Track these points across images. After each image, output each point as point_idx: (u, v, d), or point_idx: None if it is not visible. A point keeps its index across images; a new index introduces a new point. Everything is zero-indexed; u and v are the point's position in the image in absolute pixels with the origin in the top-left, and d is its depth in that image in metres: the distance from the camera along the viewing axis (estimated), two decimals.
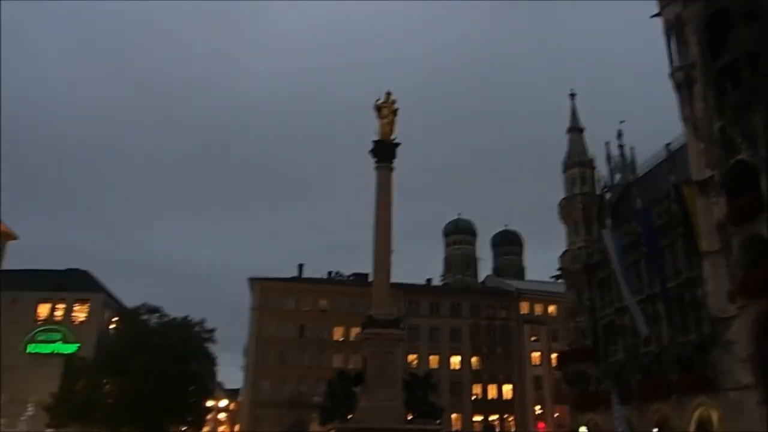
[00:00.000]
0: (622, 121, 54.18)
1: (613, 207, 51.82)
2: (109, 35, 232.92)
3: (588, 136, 56.95)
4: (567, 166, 55.46)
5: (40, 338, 67.35)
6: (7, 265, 58.84)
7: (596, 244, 50.97)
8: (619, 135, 53.87)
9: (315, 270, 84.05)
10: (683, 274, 40.32)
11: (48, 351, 66.23)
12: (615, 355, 47.32)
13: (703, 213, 36.75)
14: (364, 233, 26.87)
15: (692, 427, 37.90)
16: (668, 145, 45.09)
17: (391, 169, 27.40)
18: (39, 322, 68.48)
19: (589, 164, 55.10)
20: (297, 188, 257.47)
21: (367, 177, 28.12)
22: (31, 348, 66.55)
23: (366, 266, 27.03)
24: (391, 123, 27.93)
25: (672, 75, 40.85)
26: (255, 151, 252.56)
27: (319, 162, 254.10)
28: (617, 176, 54.20)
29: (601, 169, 54.81)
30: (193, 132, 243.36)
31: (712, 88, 37.36)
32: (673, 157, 43.36)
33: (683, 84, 39.62)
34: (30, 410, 41.30)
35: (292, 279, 76.61)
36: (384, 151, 27.38)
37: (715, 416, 35.99)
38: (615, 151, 54.30)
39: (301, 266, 79.17)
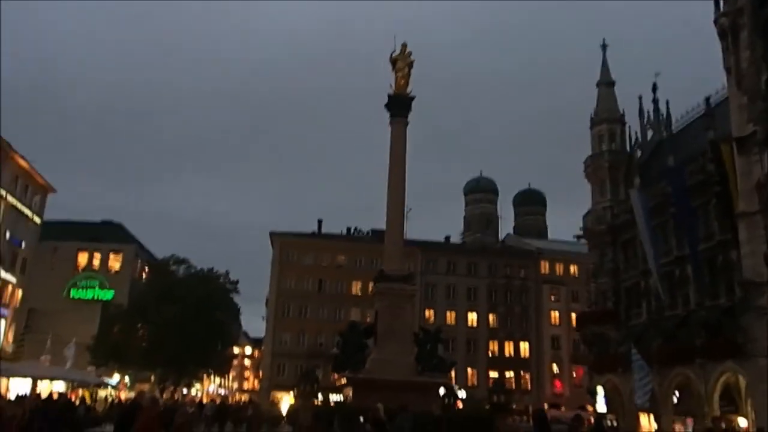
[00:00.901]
0: (657, 74, 49.76)
1: (643, 166, 48.24)
2: (145, 6, 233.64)
3: (619, 92, 53.03)
4: (594, 123, 51.79)
5: (80, 284, 68.16)
6: (47, 216, 59.34)
7: (622, 204, 48.18)
8: (654, 89, 49.59)
9: (334, 226, 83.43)
10: (715, 237, 37.09)
11: (88, 297, 67.03)
12: (637, 318, 45.07)
13: (742, 172, 33.25)
14: (382, 191, 25.85)
15: (717, 392, 36.09)
16: (708, 98, 40.88)
17: (405, 124, 26.21)
18: (78, 270, 69.08)
19: (619, 120, 51.31)
20: (319, 146, 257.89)
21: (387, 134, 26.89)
22: (74, 293, 67.46)
23: (384, 223, 25.91)
24: (406, 76, 26.62)
25: (716, 21, 36.64)
26: (278, 112, 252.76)
27: (341, 120, 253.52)
28: (649, 133, 50.42)
29: (632, 125, 51.03)
30: (219, 95, 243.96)
31: (761, 36, 33.50)
32: (712, 111, 39.42)
33: (728, 31, 35.59)
34: (71, 347, 41.88)
35: (312, 235, 75.44)
36: (398, 105, 26.26)
37: (742, 383, 33.79)
38: (648, 106, 50.28)
39: (320, 222, 78.24)
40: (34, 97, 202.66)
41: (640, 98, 50.02)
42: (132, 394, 38.72)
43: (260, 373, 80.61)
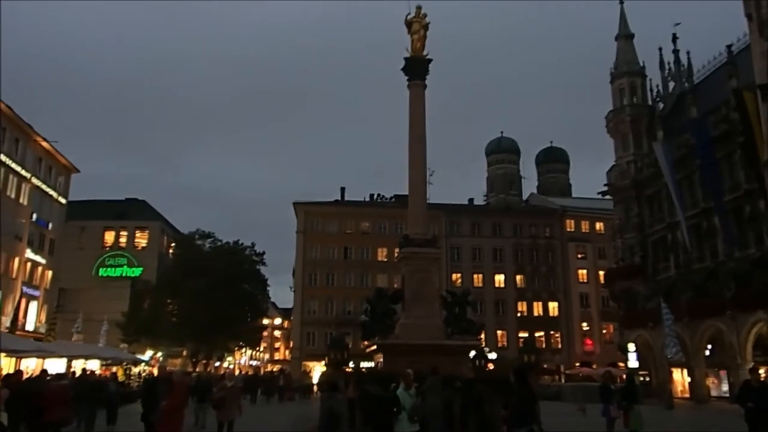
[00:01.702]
0: (677, 24, 48.59)
1: (665, 118, 47.52)
2: None
3: (638, 44, 52.13)
4: (615, 77, 51.17)
5: (108, 263, 69.27)
6: (72, 196, 60.07)
7: (646, 158, 47.60)
8: (674, 39, 48.57)
9: (357, 193, 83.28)
10: (741, 187, 36.74)
11: (117, 275, 68.11)
12: (666, 272, 44.80)
13: (767, 120, 33.02)
14: (404, 156, 25.69)
15: (750, 343, 35.84)
16: (729, 47, 40.10)
17: (423, 87, 25.95)
18: (106, 248, 70.12)
19: (640, 73, 50.66)
20: (339, 113, 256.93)
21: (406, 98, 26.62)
22: (102, 272, 68.64)
23: (407, 188, 25.83)
24: (422, 39, 26.27)
25: None
26: (299, 78, 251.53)
27: (361, 85, 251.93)
28: (671, 85, 49.54)
29: (653, 78, 50.19)
30: (238, 64, 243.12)
31: None
32: (734, 60, 38.71)
33: None
34: (105, 326, 42.78)
35: (335, 202, 75.57)
36: (415, 67, 25.94)
37: None
38: (669, 58, 49.28)
39: (343, 190, 78.15)
40: (54, 77, 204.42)
41: (660, 50, 49.15)
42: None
43: (290, 343, 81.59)
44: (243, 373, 64.24)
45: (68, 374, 26.72)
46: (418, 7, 26.28)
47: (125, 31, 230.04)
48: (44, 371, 17.81)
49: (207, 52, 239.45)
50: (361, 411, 12.35)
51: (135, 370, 44.69)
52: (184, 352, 57.56)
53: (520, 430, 10.00)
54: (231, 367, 75.24)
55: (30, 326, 49.39)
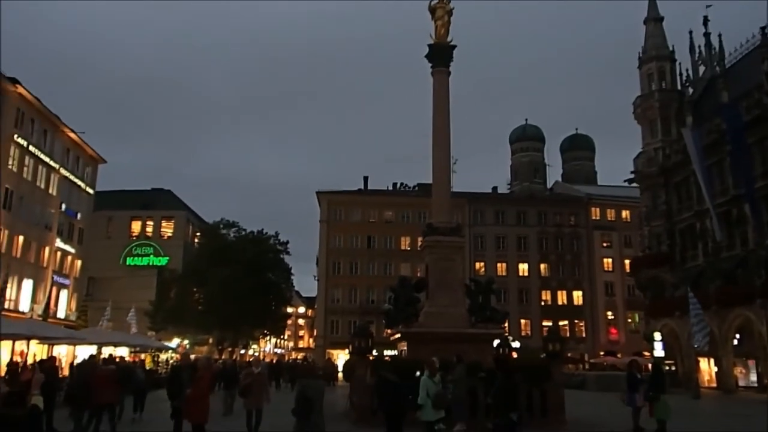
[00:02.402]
0: (708, 5, 46.75)
1: (695, 103, 46.34)
2: None
3: (668, 27, 51.08)
4: (643, 61, 50.23)
5: (135, 252, 70.21)
6: (99, 186, 60.87)
7: (674, 144, 46.73)
8: (705, 22, 47.16)
9: (380, 182, 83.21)
10: None
11: (144, 264, 68.97)
12: (694, 260, 44.13)
13: None
14: (428, 144, 25.58)
15: None
16: (763, 28, 39.05)
17: (447, 74, 25.67)
18: (133, 238, 71.07)
19: (669, 57, 49.66)
20: (363, 100, 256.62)
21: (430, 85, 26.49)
22: (129, 261, 69.59)
23: (430, 177, 25.73)
24: (446, 25, 25.90)
25: None
26: (323, 66, 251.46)
27: (385, 72, 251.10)
28: (701, 69, 48.29)
29: (683, 62, 49.05)
30: (263, 51, 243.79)
31: None
32: None
33: None
34: (132, 314, 43.47)
35: (358, 191, 75.70)
36: (439, 54, 25.61)
37: None
38: (699, 41, 48.00)
39: (366, 179, 78.23)
40: (82, 69, 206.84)
41: (691, 33, 47.97)
42: (191, 356, 40.01)
43: (314, 331, 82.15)
44: (267, 360, 64.76)
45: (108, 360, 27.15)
46: None
47: (152, 25, 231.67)
48: (93, 357, 18.41)
49: (231, 40, 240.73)
50: (377, 397, 12.45)
51: (162, 357, 45.34)
52: (210, 340, 58.25)
53: (502, 420, 10.05)
54: (256, 354, 75.90)
55: (61, 314, 50.40)
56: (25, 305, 45.01)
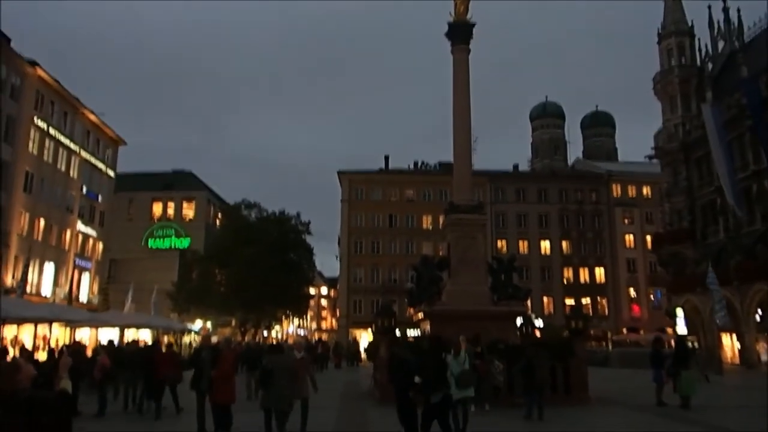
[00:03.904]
0: None
1: (715, 79, 46.17)
2: None
3: (687, 3, 50.80)
4: (662, 37, 49.95)
5: (157, 234, 70.80)
6: (120, 168, 61.38)
7: (695, 119, 46.47)
8: None
9: (401, 161, 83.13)
10: None
11: (165, 246, 69.56)
12: (715, 235, 43.94)
13: None
14: (448, 122, 25.59)
15: None
16: None
17: (467, 51, 25.63)
18: (154, 220, 71.70)
19: (688, 33, 49.38)
20: (383, 78, 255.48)
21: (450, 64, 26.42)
22: (151, 243, 70.21)
23: (451, 156, 25.75)
24: (466, 2, 25.88)
25: None
26: (343, 44, 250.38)
27: (406, 49, 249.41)
28: (720, 44, 48.10)
29: (702, 37, 48.70)
30: (284, 30, 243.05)
31: None
32: None
33: None
34: (155, 296, 44.06)
35: (379, 171, 75.74)
36: (459, 32, 25.58)
37: None
38: (718, 16, 47.42)
39: (387, 158, 78.17)
40: (99, 48, 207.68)
41: (710, 8, 47.37)
42: (214, 338, 40.30)
43: (337, 311, 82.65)
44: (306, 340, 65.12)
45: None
46: None
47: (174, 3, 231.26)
48: (156, 342, 19.20)
49: (253, 20, 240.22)
50: (388, 372, 12.72)
51: (185, 339, 45.88)
52: (233, 322, 58.70)
53: (435, 396, 10.18)
54: (292, 332, 75.98)
55: (83, 297, 51.09)
56: (47, 289, 45.66)
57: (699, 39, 48.88)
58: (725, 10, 46.97)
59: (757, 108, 36.84)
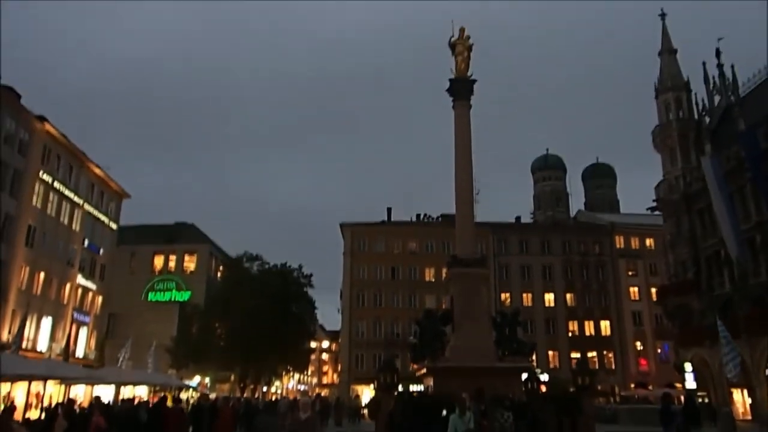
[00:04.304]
0: (720, 39, 47.92)
1: (713, 131, 46.85)
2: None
3: (682, 58, 52.05)
4: (659, 92, 50.95)
5: (158, 287, 70.50)
6: (123, 221, 61.54)
7: (695, 171, 46.76)
8: (718, 54, 47.98)
9: (403, 213, 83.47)
10: None
11: (165, 299, 69.20)
12: (721, 287, 43.59)
13: None
14: (450, 175, 25.81)
15: None
16: None
17: (468, 107, 26.13)
18: (155, 273, 71.51)
19: (685, 87, 50.22)
20: (386, 131, 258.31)
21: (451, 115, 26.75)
22: (151, 296, 69.89)
23: (454, 207, 25.86)
24: (467, 60, 26.71)
25: None
26: (347, 98, 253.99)
27: (408, 104, 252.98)
28: (716, 98, 49.07)
29: (698, 91, 49.49)
30: (290, 84, 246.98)
31: None
32: None
33: None
34: (152, 351, 43.38)
35: (382, 223, 75.75)
36: (460, 88, 26.22)
37: None
38: (713, 72, 48.30)
39: (389, 210, 78.31)
40: (106, 99, 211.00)
41: (704, 64, 48.51)
42: (213, 395, 39.68)
43: (338, 366, 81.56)
44: (286, 398, 63.85)
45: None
46: (462, 29, 26.70)
47: (177, 54, 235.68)
48: (164, 398, 18.83)
49: (257, 73, 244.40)
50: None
51: (183, 396, 45.08)
52: (232, 377, 57.88)
53: None
54: (292, 387, 74.61)
55: (80, 352, 50.40)
56: (43, 344, 45.09)
57: (695, 93, 49.80)
58: (720, 66, 47.99)
59: (755, 160, 37.19)
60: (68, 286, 49.58)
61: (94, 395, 32.12)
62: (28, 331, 42.13)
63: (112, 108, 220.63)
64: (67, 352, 45.65)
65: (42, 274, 45.44)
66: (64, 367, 34.47)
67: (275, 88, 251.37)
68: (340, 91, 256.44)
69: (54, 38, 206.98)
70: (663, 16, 52.18)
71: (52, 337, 46.47)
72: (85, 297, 52.80)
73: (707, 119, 48.34)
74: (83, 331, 52.04)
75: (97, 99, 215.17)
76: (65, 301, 49.18)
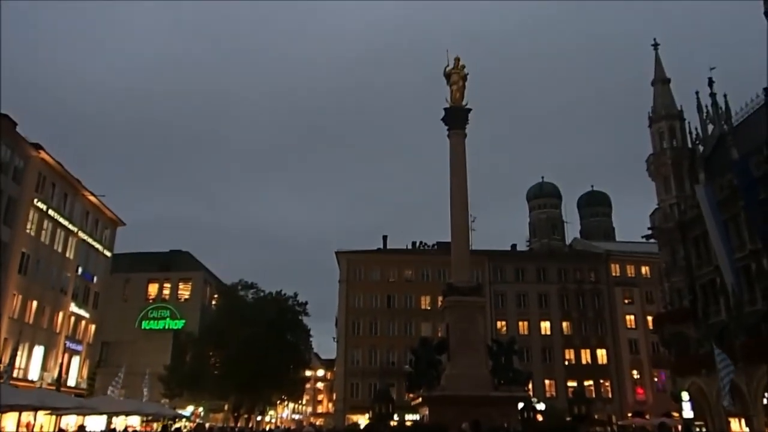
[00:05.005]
0: (712, 68, 48.61)
1: (707, 160, 47.29)
2: (207, 16, 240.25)
3: (675, 87, 52.48)
4: (653, 120, 51.36)
5: (151, 315, 70.22)
6: (118, 248, 61.39)
7: (689, 199, 47.03)
8: (710, 83, 48.53)
9: (399, 241, 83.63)
10: None
11: (159, 327, 68.88)
12: (716, 315, 43.60)
13: None
14: (446, 201, 25.91)
15: None
16: (766, 89, 40.16)
17: (463, 135, 26.40)
18: (149, 301, 71.22)
19: (678, 116, 50.74)
20: (383, 158, 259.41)
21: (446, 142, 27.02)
22: (145, 324, 69.57)
23: (449, 235, 25.96)
24: (461, 89, 27.05)
25: (766, 13, 37.34)
26: (342, 123, 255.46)
27: (403, 129, 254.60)
28: (710, 127, 49.66)
29: (692, 120, 50.04)
30: (282, 106, 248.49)
31: None
32: None
33: None
34: (147, 380, 43.05)
35: (378, 251, 76.01)
36: (455, 117, 26.55)
37: None
38: (706, 101, 48.71)
39: (385, 238, 78.63)
40: (100, 125, 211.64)
41: (697, 93, 49.18)
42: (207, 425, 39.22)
43: (334, 395, 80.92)
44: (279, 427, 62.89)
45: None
46: (457, 59, 27.04)
47: (169, 77, 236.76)
48: (165, 427, 18.55)
49: (254, 101, 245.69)
50: None
51: (176, 426, 44.58)
52: (226, 407, 57.36)
53: None
54: (287, 416, 73.96)
55: (72, 382, 49.81)
56: (34, 373, 44.62)
57: (689, 122, 50.36)
58: (712, 96, 48.60)
59: (748, 189, 37.50)
60: (61, 314, 49.25)
61: (86, 425, 31.95)
62: (20, 360, 41.78)
63: (107, 135, 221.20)
64: (59, 381, 45.18)
65: (35, 303, 45.17)
66: (55, 396, 34.09)
67: (271, 113, 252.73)
68: (336, 118, 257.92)
69: (48, 63, 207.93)
70: (656, 46, 52.80)
71: (44, 366, 46.01)
72: (78, 325, 52.40)
73: (701, 148, 48.81)
74: (75, 360, 51.54)
75: (90, 126, 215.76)
76: (58, 330, 48.78)
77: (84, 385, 50.80)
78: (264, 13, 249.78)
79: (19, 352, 40.72)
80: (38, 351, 45.56)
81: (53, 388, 42.47)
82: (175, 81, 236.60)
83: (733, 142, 42.77)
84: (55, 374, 46.07)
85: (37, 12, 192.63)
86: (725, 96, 47.86)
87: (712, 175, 44.23)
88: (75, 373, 51.23)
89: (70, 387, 47.93)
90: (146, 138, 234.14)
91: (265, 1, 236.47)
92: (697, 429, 41.22)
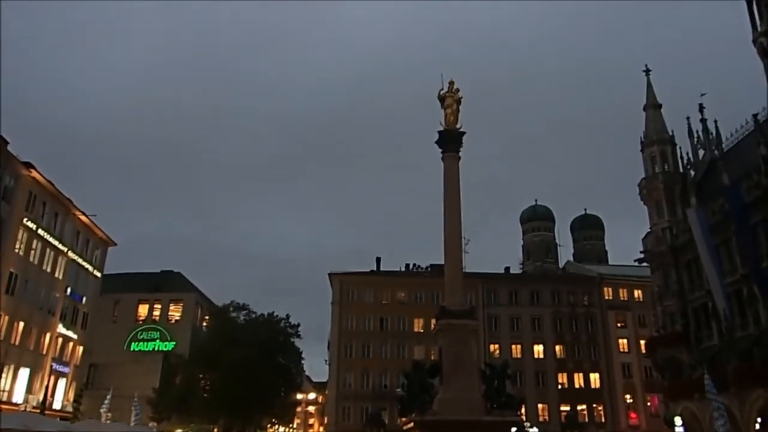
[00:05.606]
0: (702, 94, 49.58)
1: (698, 184, 47.86)
2: (199, 35, 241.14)
3: (667, 112, 53.17)
4: (645, 145, 51.93)
5: (141, 337, 69.49)
6: (109, 269, 60.95)
7: (681, 224, 47.45)
8: (701, 109, 49.47)
9: (392, 263, 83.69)
10: None
11: (149, 349, 68.17)
12: (709, 339, 43.71)
13: None
14: (439, 223, 25.99)
15: None
16: (755, 115, 40.85)
17: (457, 158, 26.54)
18: (139, 322, 70.57)
19: (669, 141, 51.31)
20: (373, 182, 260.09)
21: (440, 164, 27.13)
22: (134, 346, 68.83)
23: (442, 257, 25.96)
24: (456, 112, 27.26)
25: (755, 41, 37.79)
26: (337, 143, 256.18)
27: (397, 152, 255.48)
28: (701, 152, 50.24)
29: (683, 145, 50.78)
30: (275, 126, 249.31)
31: None
32: (761, 128, 39.43)
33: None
34: (136, 404, 42.26)
35: (371, 273, 75.86)
36: (449, 140, 26.71)
37: None
38: (697, 126, 49.83)
39: (378, 260, 78.73)
40: (91, 141, 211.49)
41: (688, 119, 50.17)
42: None
43: (325, 419, 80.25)
44: None
45: None
46: (451, 82, 27.25)
47: (160, 91, 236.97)
48: None
49: (245, 121, 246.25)
50: None
51: None
52: (216, 430, 56.75)
53: None
54: None
55: (57, 404, 49.13)
56: (19, 396, 44.00)
57: (680, 147, 50.97)
58: (703, 121, 49.49)
59: (740, 214, 37.94)
60: (48, 335, 48.70)
61: None
62: (4, 382, 41.40)
63: (99, 153, 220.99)
64: (44, 404, 44.52)
65: (21, 323, 44.66)
66: (39, 420, 33.47)
67: (267, 133, 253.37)
68: (331, 138, 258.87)
69: (40, 79, 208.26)
70: (647, 71, 53.52)
71: (29, 389, 45.40)
72: (66, 346, 51.83)
73: (692, 172, 49.41)
74: (62, 382, 50.92)
75: (83, 143, 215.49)
76: (44, 351, 48.18)
77: (70, 408, 50.08)
78: (261, 31, 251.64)
79: (3, 374, 40.26)
80: (23, 373, 44.98)
81: (38, 411, 41.87)
82: (168, 98, 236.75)
83: (723, 167, 43.23)
84: (41, 397, 45.44)
85: (27, 30, 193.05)
86: (716, 121, 48.88)
87: (704, 200, 44.67)
88: (61, 395, 50.58)
89: (55, 410, 47.16)
90: (139, 157, 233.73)
91: (263, 19, 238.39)
92: None
